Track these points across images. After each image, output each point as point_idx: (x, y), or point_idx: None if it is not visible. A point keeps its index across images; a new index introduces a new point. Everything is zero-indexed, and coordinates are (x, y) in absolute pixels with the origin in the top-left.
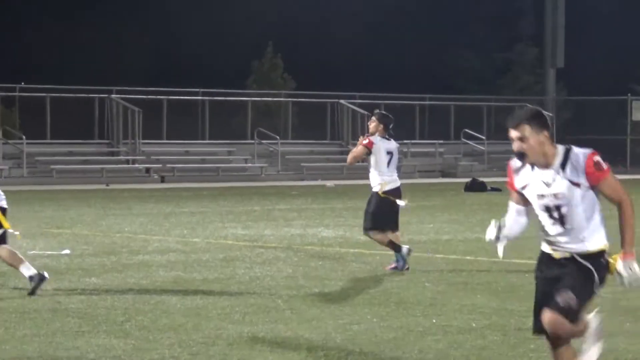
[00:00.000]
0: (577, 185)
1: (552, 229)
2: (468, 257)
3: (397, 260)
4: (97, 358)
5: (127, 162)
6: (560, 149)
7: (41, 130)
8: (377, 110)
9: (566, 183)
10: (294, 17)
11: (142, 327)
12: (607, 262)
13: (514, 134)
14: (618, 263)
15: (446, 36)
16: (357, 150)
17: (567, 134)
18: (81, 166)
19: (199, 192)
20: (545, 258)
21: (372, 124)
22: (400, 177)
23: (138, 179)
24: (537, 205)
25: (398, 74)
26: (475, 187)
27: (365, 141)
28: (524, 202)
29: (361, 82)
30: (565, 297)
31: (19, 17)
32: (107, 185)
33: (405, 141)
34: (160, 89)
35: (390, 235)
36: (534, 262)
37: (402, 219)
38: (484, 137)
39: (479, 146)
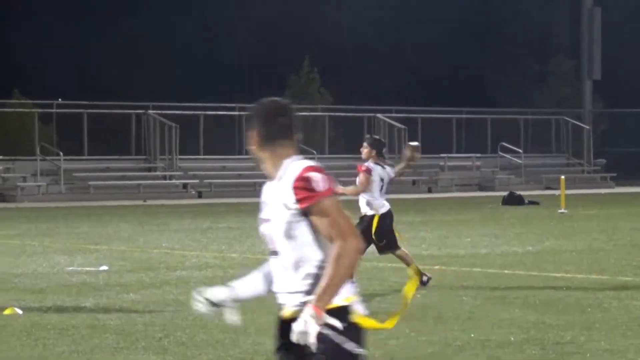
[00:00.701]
0: (286, 207)
1: (276, 271)
2: (506, 271)
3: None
4: None
5: (164, 177)
6: (291, 159)
7: (78, 146)
8: (368, 136)
9: (277, 203)
10: (330, 31)
11: (181, 343)
12: (354, 323)
13: None
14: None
15: (483, 49)
16: (361, 178)
17: (603, 146)
18: (118, 182)
19: (236, 207)
20: (280, 321)
21: (365, 150)
22: (437, 190)
23: (175, 194)
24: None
25: (434, 88)
26: (513, 200)
27: (364, 168)
28: None
29: (398, 96)
30: None
31: (57, 35)
32: (145, 201)
33: (442, 155)
34: (197, 104)
35: (401, 253)
36: (571, 275)
37: (439, 232)
38: (520, 151)
39: (516, 159)
